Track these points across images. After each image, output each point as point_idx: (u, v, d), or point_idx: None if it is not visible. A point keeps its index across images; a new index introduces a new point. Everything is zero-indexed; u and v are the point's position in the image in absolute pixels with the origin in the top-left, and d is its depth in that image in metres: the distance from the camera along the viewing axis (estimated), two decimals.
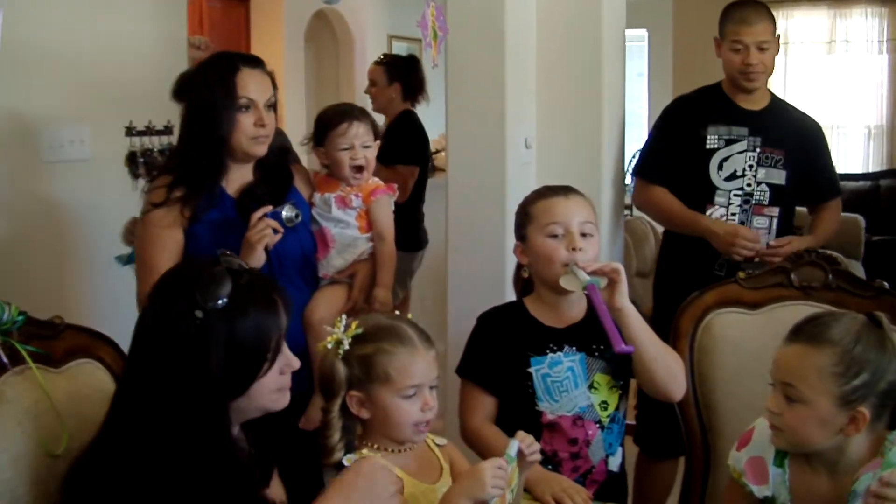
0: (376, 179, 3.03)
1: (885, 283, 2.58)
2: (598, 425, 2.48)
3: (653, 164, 3.79)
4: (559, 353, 2.49)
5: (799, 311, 2.49)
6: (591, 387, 2.49)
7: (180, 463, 1.76)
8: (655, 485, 3.74)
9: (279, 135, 2.95)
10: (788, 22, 9.91)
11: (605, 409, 2.49)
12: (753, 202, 3.64)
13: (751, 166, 3.63)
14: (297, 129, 7.54)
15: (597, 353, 2.51)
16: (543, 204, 2.55)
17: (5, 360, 2.01)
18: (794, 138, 3.72)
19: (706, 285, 2.72)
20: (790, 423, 1.99)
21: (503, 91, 3.75)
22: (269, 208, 2.73)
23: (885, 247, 8.69)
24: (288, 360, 1.92)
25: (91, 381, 2.17)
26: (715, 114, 3.69)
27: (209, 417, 1.80)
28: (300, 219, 2.84)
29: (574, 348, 2.50)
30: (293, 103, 8.91)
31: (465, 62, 3.77)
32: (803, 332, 2.02)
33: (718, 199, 3.64)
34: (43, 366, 2.08)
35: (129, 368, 1.90)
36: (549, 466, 2.43)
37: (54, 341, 2.14)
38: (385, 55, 6.24)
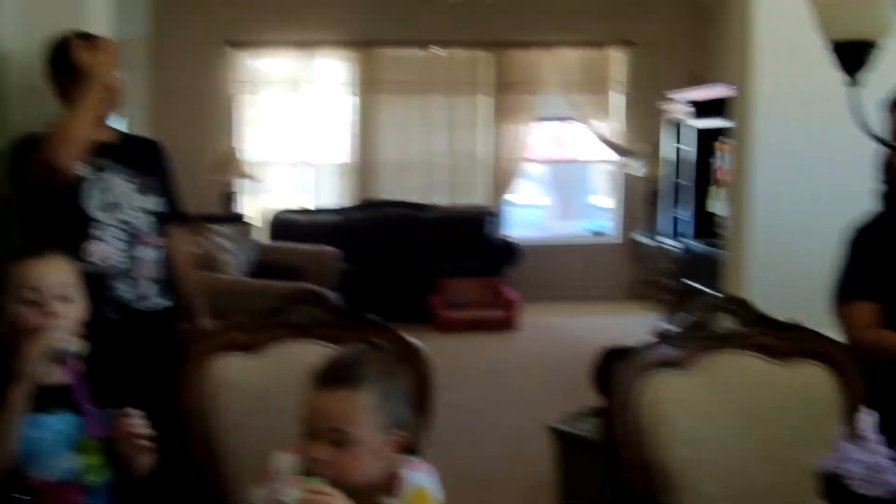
0: None
1: (373, 316, 2.68)
2: (86, 492, 2.36)
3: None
4: (47, 414, 2.34)
5: (298, 349, 2.58)
6: (81, 450, 2.36)
7: None
8: None
9: None
10: (258, 63, 10.22)
11: (95, 472, 2.37)
12: (135, 232, 3.44)
13: (132, 191, 3.45)
14: None
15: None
16: (18, 268, 2.42)
17: None
18: (159, 165, 3.62)
19: None
20: (346, 466, 2.03)
21: None
22: None
23: (358, 275, 9.20)
24: None
25: None
26: None
27: None
28: None
29: (65, 409, 2.36)
30: None
31: None
32: (338, 378, 2.08)
33: (97, 232, 3.36)
34: None
35: None
36: None
37: None
38: None
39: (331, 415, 2.05)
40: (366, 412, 2.05)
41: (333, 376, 2.09)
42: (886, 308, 2.86)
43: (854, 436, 2.01)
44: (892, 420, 2.07)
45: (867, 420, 2.01)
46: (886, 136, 2.71)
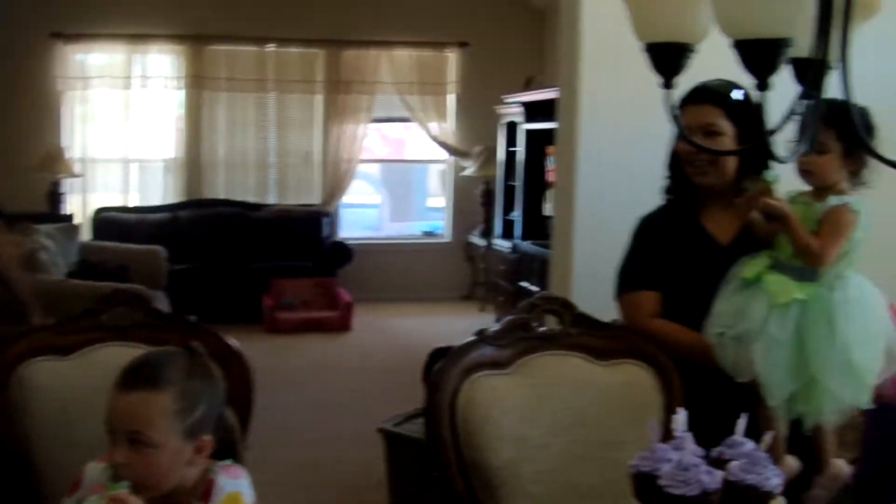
0: None
1: (191, 317, 2.66)
2: None
3: None
4: None
5: (115, 352, 2.50)
6: None
7: None
8: None
9: None
10: (88, 57, 9.90)
11: None
12: None
13: None
14: None
15: None
16: None
17: None
18: None
19: None
20: (143, 469, 1.98)
21: None
22: None
23: (186, 275, 9.01)
24: None
25: None
26: None
27: None
28: None
29: None
30: None
31: None
32: (138, 378, 2.03)
33: None
34: None
35: None
36: None
37: None
38: None
39: (128, 416, 2.00)
40: (164, 415, 2.00)
41: (133, 377, 2.04)
42: (668, 297, 2.91)
43: (666, 434, 2.04)
44: (701, 417, 2.11)
45: (678, 418, 2.04)
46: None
